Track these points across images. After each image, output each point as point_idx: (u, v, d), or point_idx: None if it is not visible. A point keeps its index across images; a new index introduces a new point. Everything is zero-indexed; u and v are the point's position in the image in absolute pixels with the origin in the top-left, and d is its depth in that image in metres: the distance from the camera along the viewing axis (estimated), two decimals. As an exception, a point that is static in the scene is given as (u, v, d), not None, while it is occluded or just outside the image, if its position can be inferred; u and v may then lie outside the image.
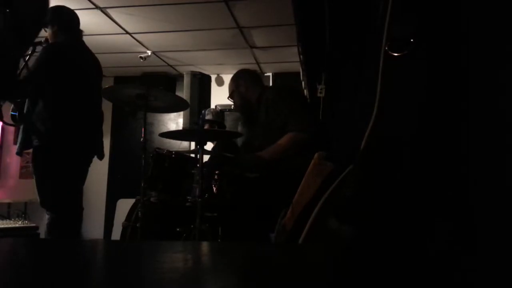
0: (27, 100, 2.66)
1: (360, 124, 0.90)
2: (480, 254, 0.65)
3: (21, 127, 2.67)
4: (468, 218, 0.69)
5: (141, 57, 5.34)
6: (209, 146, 3.21)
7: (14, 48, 1.55)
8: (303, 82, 3.96)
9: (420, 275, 0.60)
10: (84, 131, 2.74)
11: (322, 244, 1.00)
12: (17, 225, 4.70)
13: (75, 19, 2.87)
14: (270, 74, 6.27)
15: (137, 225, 2.57)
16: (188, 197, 3.00)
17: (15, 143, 6.35)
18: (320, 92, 2.66)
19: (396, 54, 0.81)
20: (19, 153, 2.68)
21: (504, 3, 0.69)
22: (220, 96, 6.24)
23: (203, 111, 4.22)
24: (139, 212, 2.55)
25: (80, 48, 2.84)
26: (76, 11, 2.92)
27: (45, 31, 2.82)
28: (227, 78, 6.41)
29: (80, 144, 2.72)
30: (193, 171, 3.08)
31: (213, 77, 6.07)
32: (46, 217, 2.64)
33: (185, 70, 5.58)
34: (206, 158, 3.05)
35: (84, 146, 2.76)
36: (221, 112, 4.35)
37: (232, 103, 3.13)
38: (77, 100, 2.69)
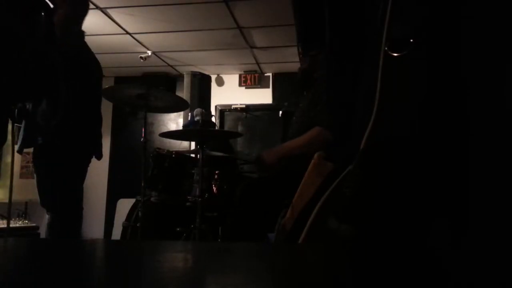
0: None
1: (360, 124, 0.90)
2: (480, 254, 0.65)
3: (22, 125, 2.67)
4: (468, 218, 0.69)
5: (141, 57, 5.35)
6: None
7: (49, 49, 1.59)
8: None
9: (420, 274, 0.60)
10: (85, 130, 2.74)
11: (322, 244, 1.00)
12: (17, 225, 4.69)
13: None
14: (270, 74, 6.27)
15: (137, 225, 2.57)
16: (188, 197, 3.00)
17: (15, 143, 6.35)
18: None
19: (396, 54, 0.81)
20: (20, 151, 2.67)
21: (504, 3, 0.69)
22: (220, 96, 6.24)
23: (191, 114, 4.29)
24: (139, 212, 2.56)
25: (82, 48, 2.84)
26: (76, 11, 2.92)
27: None
28: (227, 78, 6.42)
29: (82, 144, 2.72)
30: (193, 171, 3.09)
31: (213, 77, 6.07)
32: (46, 217, 2.64)
33: (185, 70, 5.60)
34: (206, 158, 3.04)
35: (85, 146, 2.77)
36: (207, 112, 4.43)
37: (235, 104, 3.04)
38: (80, 100, 2.69)
